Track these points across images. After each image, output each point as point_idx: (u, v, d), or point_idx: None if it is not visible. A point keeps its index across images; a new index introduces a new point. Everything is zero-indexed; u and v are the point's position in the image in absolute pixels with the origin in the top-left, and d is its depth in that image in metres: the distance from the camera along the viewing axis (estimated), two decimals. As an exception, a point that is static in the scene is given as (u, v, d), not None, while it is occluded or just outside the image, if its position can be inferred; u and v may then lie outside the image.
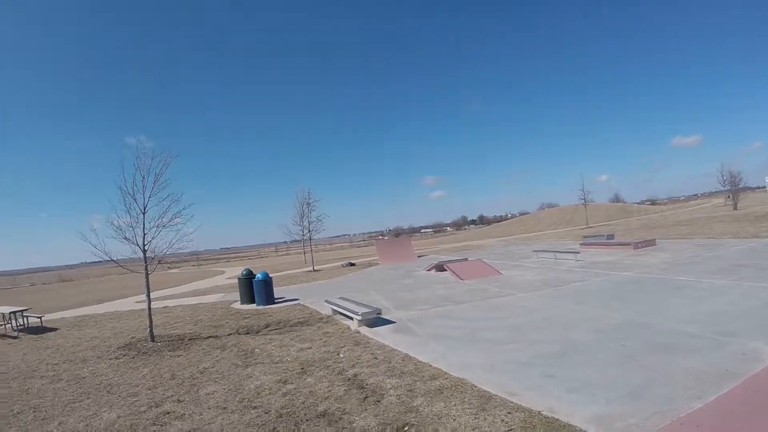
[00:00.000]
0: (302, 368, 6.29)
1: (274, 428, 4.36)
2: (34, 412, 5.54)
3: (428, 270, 17.38)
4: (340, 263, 29.14)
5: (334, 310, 10.19)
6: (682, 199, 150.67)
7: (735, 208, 41.34)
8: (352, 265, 26.77)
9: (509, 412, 4.08)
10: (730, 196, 45.52)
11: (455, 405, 4.40)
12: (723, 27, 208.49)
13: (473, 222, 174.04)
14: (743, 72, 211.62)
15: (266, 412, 4.78)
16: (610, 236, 21.82)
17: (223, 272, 36.47)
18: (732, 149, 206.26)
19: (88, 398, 5.87)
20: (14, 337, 11.23)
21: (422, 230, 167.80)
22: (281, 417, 4.61)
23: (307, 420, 4.47)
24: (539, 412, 4.02)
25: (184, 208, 9.65)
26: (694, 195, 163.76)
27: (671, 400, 3.99)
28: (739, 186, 45.50)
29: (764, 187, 72.27)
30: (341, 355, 6.78)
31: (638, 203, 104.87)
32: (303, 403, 4.95)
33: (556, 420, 3.83)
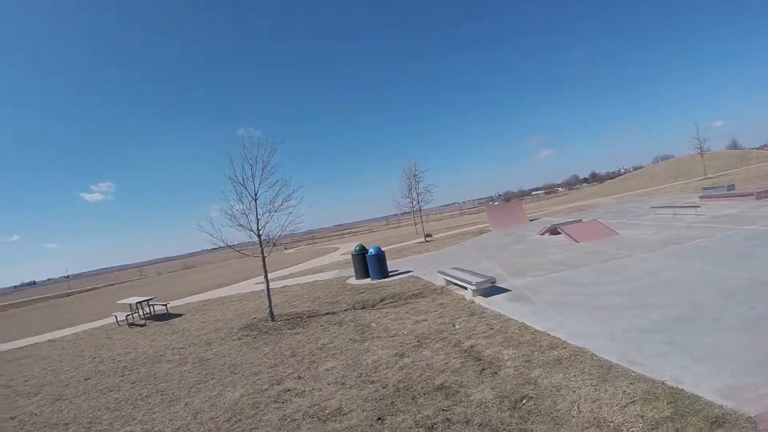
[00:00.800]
0: (418, 341, 6.34)
1: (392, 402, 4.43)
2: (161, 395, 6.22)
3: (541, 234, 17.23)
4: (449, 233, 29.09)
5: (448, 281, 10.14)
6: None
7: None
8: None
9: (631, 383, 3.96)
10: None
11: (574, 376, 4.31)
12: None
13: (585, 180, 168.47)
14: None
15: (384, 387, 4.89)
16: (731, 187, 21.13)
17: (338, 248, 38.52)
18: None
19: (212, 379, 6.47)
20: (142, 325, 12.81)
21: (533, 193, 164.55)
22: (398, 391, 4.69)
23: (424, 394, 4.49)
24: (663, 383, 3.87)
25: (293, 191, 10.24)
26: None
27: (804, 370, 3.74)
28: None
29: None
30: (457, 327, 6.71)
31: (757, 149, 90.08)
32: (420, 376, 4.98)
33: (681, 391, 3.68)
